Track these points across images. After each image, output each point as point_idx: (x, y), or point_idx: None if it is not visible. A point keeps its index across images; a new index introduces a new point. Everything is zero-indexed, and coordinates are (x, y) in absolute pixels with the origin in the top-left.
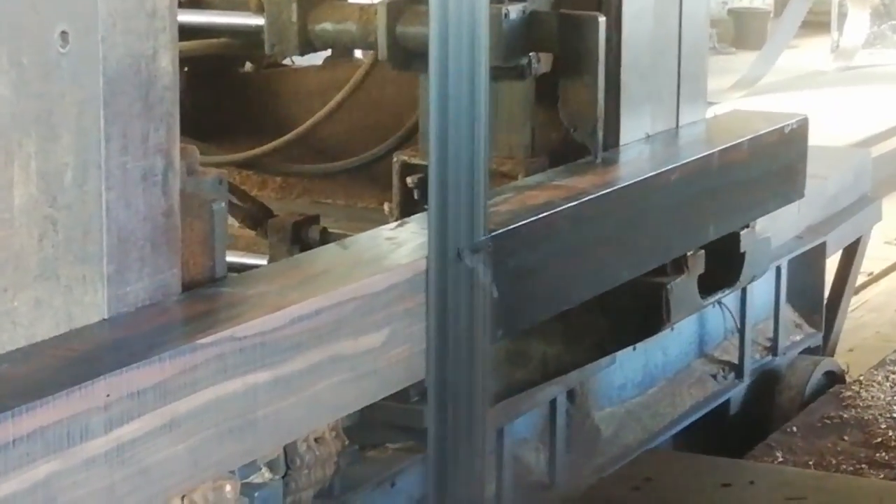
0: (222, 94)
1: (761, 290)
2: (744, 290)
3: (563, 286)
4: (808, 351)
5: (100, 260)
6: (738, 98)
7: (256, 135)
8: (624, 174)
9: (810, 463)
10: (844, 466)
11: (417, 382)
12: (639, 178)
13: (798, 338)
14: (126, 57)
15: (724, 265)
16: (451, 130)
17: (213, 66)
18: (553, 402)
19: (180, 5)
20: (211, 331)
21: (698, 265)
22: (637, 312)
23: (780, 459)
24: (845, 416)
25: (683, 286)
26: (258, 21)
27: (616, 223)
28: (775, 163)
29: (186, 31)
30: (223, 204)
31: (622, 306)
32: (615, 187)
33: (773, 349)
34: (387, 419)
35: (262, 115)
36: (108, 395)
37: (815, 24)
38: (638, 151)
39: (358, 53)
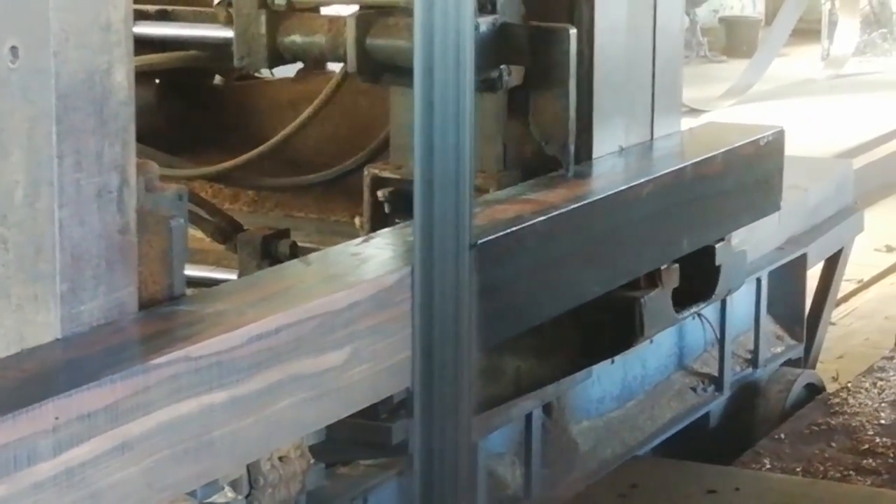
0: (194, 106)
1: (742, 302)
2: (723, 302)
3: (532, 301)
4: (790, 363)
5: (52, 278)
6: (728, 106)
7: (229, 148)
8: (595, 188)
9: (798, 469)
10: (832, 473)
11: (385, 399)
12: (610, 192)
13: (779, 350)
14: (79, 72)
15: (700, 278)
16: (437, 138)
17: (184, 79)
18: (529, 417)
19: (149, 17)
20: (165, 351)
21: (672, 279)
22: (610, 326)
23: (768, 466)
24: (833, 422)
25: (657, 300)
26: (227, 33)
27: (587, 237)
28: (750, 175)
29: (155, 44)
30: (182, 220)
31: (595, 320)
32: (585, 201)
33: (753, 361)
34: (355, 436)
35: (235, 128)
36: (56, 418)
37: (806, 32)
38: (611, 164)
39: (332, 65)
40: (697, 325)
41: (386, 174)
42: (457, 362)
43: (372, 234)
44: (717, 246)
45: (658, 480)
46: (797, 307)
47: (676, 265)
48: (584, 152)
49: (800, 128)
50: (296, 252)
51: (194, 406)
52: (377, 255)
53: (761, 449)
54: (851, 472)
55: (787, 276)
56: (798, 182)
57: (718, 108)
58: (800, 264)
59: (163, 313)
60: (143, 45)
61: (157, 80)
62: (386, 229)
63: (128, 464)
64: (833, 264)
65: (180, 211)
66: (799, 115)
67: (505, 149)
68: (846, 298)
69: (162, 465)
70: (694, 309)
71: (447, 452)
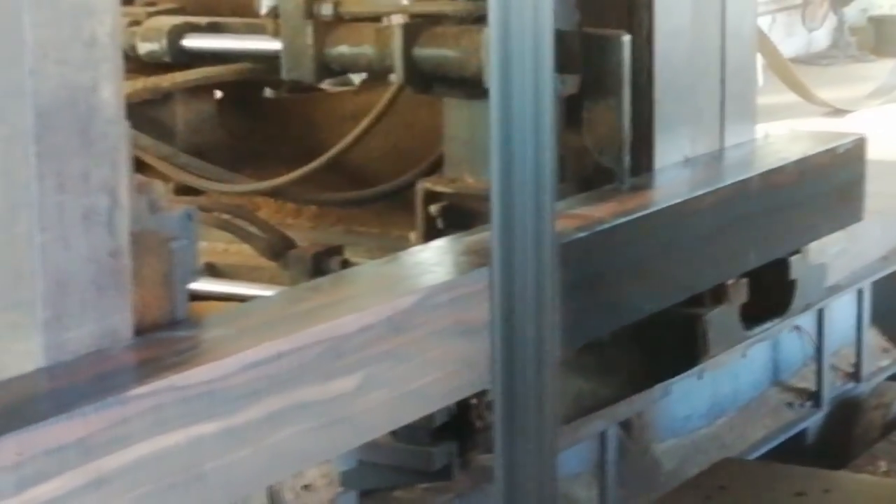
0: (257, 120)
1: (843, 314)
2: (821, 314)
3: (576, 322)
4: None
5: (34, 305)
6: (876, 105)
7: (292, 162)
8: (649, 200)
9: None
10: None
11: (426, 422)
12: (663, 205)
13: (885, 363)
14: (60, 89)
15: (775, 293)
16: (516, 142)
17: (246, 92)
18: (603, 435)
19: (201, 30)
20: (148, 380)
21: (740, 294)
22: (673, 345)
23: (884, 469)
24: None
25: (723, 317)
26: (276, 45)
27: (636, 253)
28: (827, 185)
29: (207, 57)
30: (186, 241)
31: (657, 339)
32: (636, 215)
33: (855, 375)
34: (395, 461)
35: (298, 142)
36: (18, 454)
37: None
38: (672, 176)
39: None
40: (795, 338)
41: (439, 188)
42: (540, 367)
43: (402, 252)
44: (791, 259)
45: (746, 482)
46: None
47: (745, 280)
48: (645, 163)
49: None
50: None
51: (181, 438)
52: (406, 274)
53: (877, 451)
54: None
55: (893, 287)
56: None
57: (865, 108)
58: None
59: (157, 339)
60: (197, 58)
61: (219, 94)
62: (419, 246)
63: (104, 500)
64: None
65: (187, 232)
66: None
67: (562, 161)
68: None
69: (144, 500)
70: (766, 326)
71: (530, 464)
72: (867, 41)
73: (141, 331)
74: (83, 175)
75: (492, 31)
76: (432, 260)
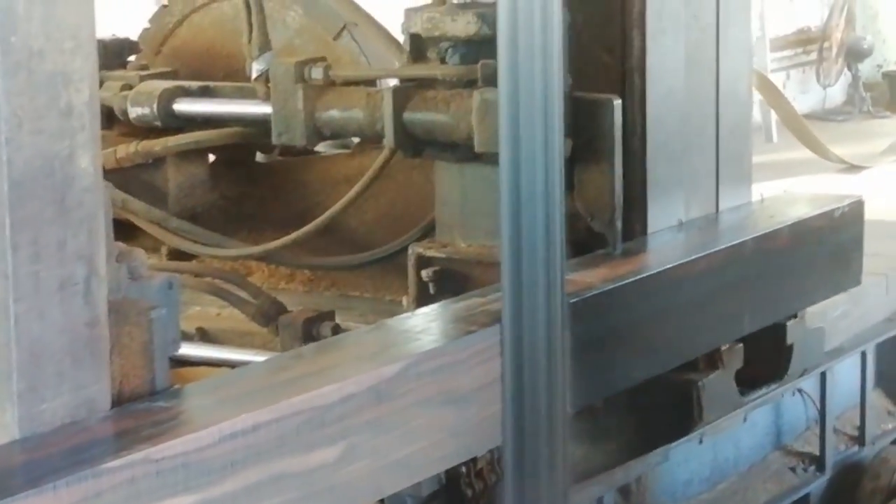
0: (250, 183)
1: (847, 376)
2: (823, 377)
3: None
4: None
5: (8, 377)
6: (891, 161)
7: (286, 225)
8: (641, 266)
9: None
10: None
11: (415, 491)
12: (656, 270)
13: (890, 426)
14: (36, 159)
15: (772, 358)
16: (526, 202)
17: (239, 156)
18: (600, 501)
19: (192, 94)
20: (123, 452)
21: (735, 360)
22: (667, 412)
23: None
24: None
25: (717, 383)
26: (267, 109)
27: (628, 319)
28: (824, 249)
29: (198, 121)
30: (166, 310)
31: (652, 405)
32: (627, 281)
33: (859, 439)
34: None
35: (292, 205)
36: None
37: None
38: (665, 240)
39: None
40: (798, 401)
41: (431, 253)
42: (551, 425)
43: (387, 321)
44: (788, 324)
45: None
46: None
47: (740, 345)
48: (639, 227)
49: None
50: (338, 334)
51: None
52: (391, 342)
53: None
54: None
55: None
56: None
57: (880, 164)
58: None
59: (135, 410)
60: (188, 122)
61: (212, 157)
62: (403, 315)
63: None
64: None
65: (167, 301)
66: None
67: None
68: None
69: None
70: (763, 391)
71: None
72: (882, 97)
73: (120, 400)
74: (59, 244)
75: (501, 93)
76: (419, 327)
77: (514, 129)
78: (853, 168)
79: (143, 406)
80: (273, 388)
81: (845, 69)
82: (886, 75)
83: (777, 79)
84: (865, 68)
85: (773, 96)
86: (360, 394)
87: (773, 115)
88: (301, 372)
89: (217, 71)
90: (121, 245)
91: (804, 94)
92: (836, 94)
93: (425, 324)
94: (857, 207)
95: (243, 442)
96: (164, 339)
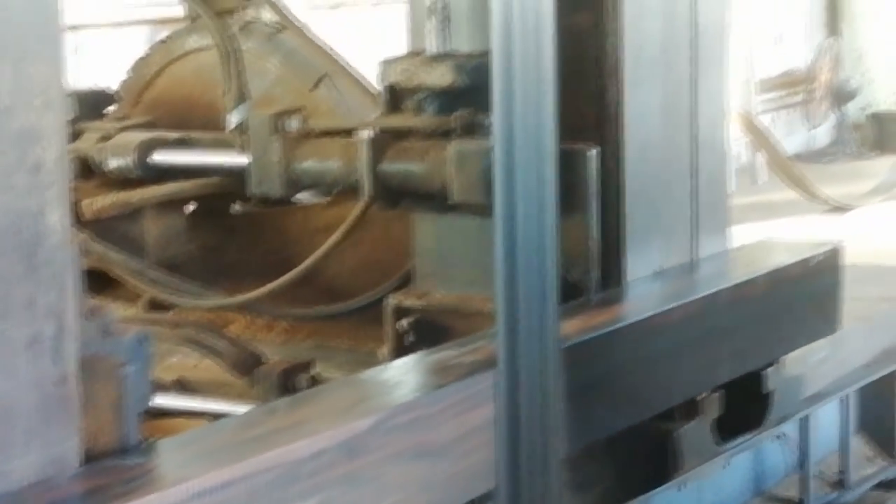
0: (228, 233)
1: (828, 422)
2: (805, 422)
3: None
4: (884, 485)
5: None
6: (877, 202)
7: (264, 276)
8: (618, 315)
9: None
10: None
11: None
12: (633, 320)
13: (871, 471)
14: (4, 216)
15: (750, 406)
16: (520, 244)
17: (216, 206)
18: None
19: (169, 145)
20: None
21: (713, 408)
22: (645, 461)
23: None
24: None
25: (695, 431)
26: (244, 160)
27: (605, 369)
28: (802, 296)
29: (176, 172)
30: (136, 367)
31: (630, 454)
32: (604, 331)
33: (841, 484)
34: None
35: (270, 255)
36: None
37: None
38: (642, 289)
39: None
40: (778, 447)
41: (408, 303)
42: (545, 468)
43: (358, 374)
44: (766, 371)
45: None
46: (890, 425)
47: (717, 394)
48: (616, 276)
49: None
50: (314, 385)
51: None
52: (366, 394)
53: None
54: None
55: (879, 393)
56: (890, 294)
57: (866, 205)
58: (892, 380)
59: (105, 468)
60: (166, 172)
61: (191, 208)
62: (379, 367)
63: None
64: None
65: (139, 357)
66: None
67: None
68: None
69: None
70: (740, 440)
71: None
72: (868, 138)
73: (91, 458)
74: (28, 302)
75: (496, 140)
76: (393, 380)
77: (509, 178)
78: (839, 208)
79: (113, 463)
80: (244, 444)
81: (831, 110)
82: (872, 116)
83: (764, 120)
84: (851, 109)
85: (760, 138)
86: (332, 449)
87: (760, 157)
88: (273, 427)
89: (196, 121)
90: (91, 301)
91: (791, 136)
92: (823, 135)
93: (400, 376)
94: (834, 255)
95: (213, 499)
96: (136, 395)
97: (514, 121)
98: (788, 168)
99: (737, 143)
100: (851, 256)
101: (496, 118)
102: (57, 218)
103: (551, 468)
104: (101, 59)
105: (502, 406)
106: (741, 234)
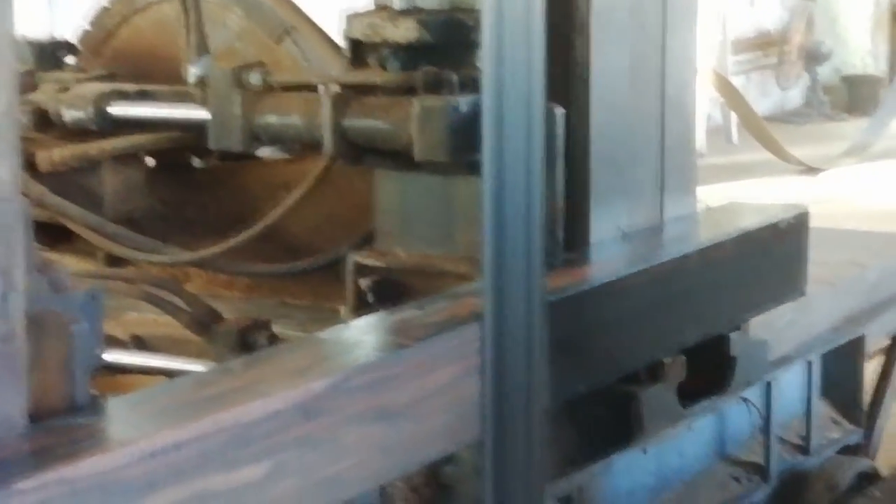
0: (189, 188)
1: (792, 386)
2: (769, 386)
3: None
4: (848, 449)
5: None
6: (848, 165)
7: (224, 231)
8: (582, 277)
9: None
10: None
11: None
12: (598, 282)
13: (835, 435)
14: None
15: (715, 370)
16: (508, 203)
17: (176, 160)
18: None
19: (129, 98)
20: (36, 473)
21: (677, 372)
22: (607, 424)
23: None
24: None
25: (659, 395)
26: (204, 114)
27: (568, 331)
28: (769, 260)
29: (135, 125)
30: (88, 325)
31: (592, 417)
32: (567, 293)
33: (804, 448)
34: None
35: (231, 211)
36: None
37: None
38: (608, 250)
39: None
40: (742, 410)
41: (370, 262)
42: (529, 419)
43: (316, 334)
44: (731, 335)
45: None
46: (855, 390)
47: (682, 357)
48: (581, 237)
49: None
50: (275, 344)
51: None
52: (326, 353)
53: None
54: None
55: (844, 358)
56: (857, 258)
57: (838, 167)
58: (857, 345)
59: (52, 428)
60: (125, 125)
61: (151, 162)
62: (341, 325)
63: None
64: None
65: (90, 314)
66: None
67: None
68: None
69: None
70: (704, 404)
71: None
72: (840, 100)
73: (38, 417)
74: None
75: (484, 98)
76: (354, 340)
77: (498, 132)
78: (812, 170)
79: (61, 423)
80: (197, 405)
81: (804, 72)
82: (845, 78)
83: (737, 81)
84: (824, 72)
85: (734, 98)
86: (287, 410)
87: (734, 117)
88: (227, 387)
89: (157, 74)
90: (42, 255)
91: (764, 97)
92: (795, 96)
93: (359, 336)
94: (803, 218)
95: (164, 461)
96: (86, 353)
97: (504, 79)
98: (762, 129)
99: (710, 103)
100: (822, 219)
101: (486, 74)
102: (5, 171)
103: (536, 420)
104: (76, 11)
105: (489, 357)
106: (713, 195)
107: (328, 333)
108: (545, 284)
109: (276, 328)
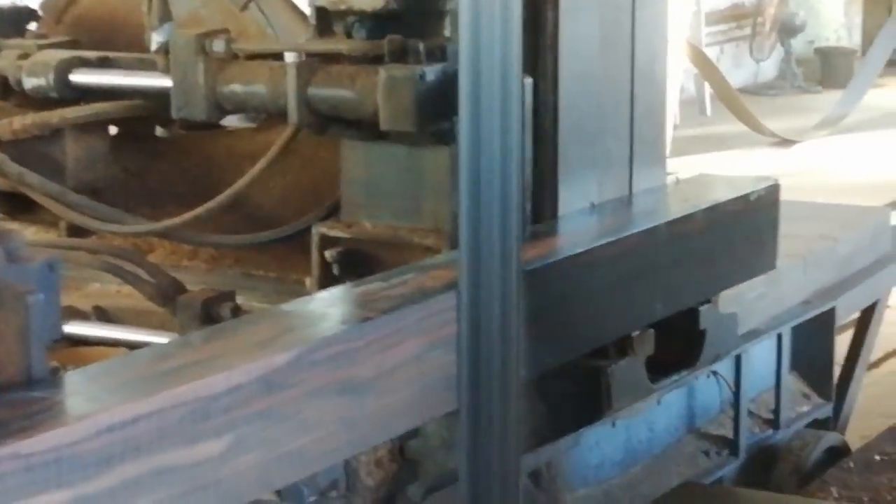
0: (153, 157)
1: (762, 359)
2: (738, 360)
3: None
4: (817, 423)
5: None
6: (821, 137)
7: (188, 201)
8: (550, 249)
9: (865, 499)
10: None
11: (311, 479)
12: (566, 254)
13: (805, 409)
14: None
15: (684, 344)
16: (484, 159)
17: (140, 129)
18: None
19: (91, 65)
20: None
21: (646, 346)
22: (575, 399)
23: (836, 495)
24: None
25: (628, 369)
26: (167, 82)
27: (536, 304)
28: (739, 233)
29: (98, 93)
30: (43, 296)
31: (561, 392)
32: (535, 265)
33: (774, 422)
34: None
35: (195, 181)
36: None
37: None
38: (576, 223)
39: None
40: (712, 384)
41: (335, 233)
42: (505, 387)
43: (279, 306)
44: (701, 309)
45: None
46: (826, 364)
47: (651, 331)
48: (549, 209)
49: (894, 158)
50: (238, 316)
51: None
52: (290, 325)
53: (829, 478)
54: None
55: (815, 331)
56: (828, 231)
57: (812, 139)
58: (828, 318)
59: (7, 401)
60: (87, 93)
61: (114, 131)
62: (304, 297)
63: None
64: (867, 318)
65: (48, 284)
66: (894, 146)
67: None
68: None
69: None
70: (673, 378)
71: (494, 485)
72: (814, 72)
73: None
74: None
75: (462, 70)
76: (317, 312)
77: (475, 101)
78: (785, 142)
79: (16, 396)
80: (156, 378)
81: (778, 44)
82: (818, 51)
83: (711, 53)
84: (798, 44)
85: (708, 70)
86: (249, 384)
87: (707, 89)
88: (187, 360)
89: (120, 41)
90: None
91: (737, 69)
92: (769, 68)
93: (323, 309)
94: (774, 191)
95: (122, 435)
96: (44, 324)
97: (480, 51)
98: (735, 101)
99: (684, 74)
100: (795, 192)
101: (463, 48)
102: None
103: (512, 388)
104: None
105: (464, 328)
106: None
107: (292, 306)
108: (520, 254)
109: (241, 300)
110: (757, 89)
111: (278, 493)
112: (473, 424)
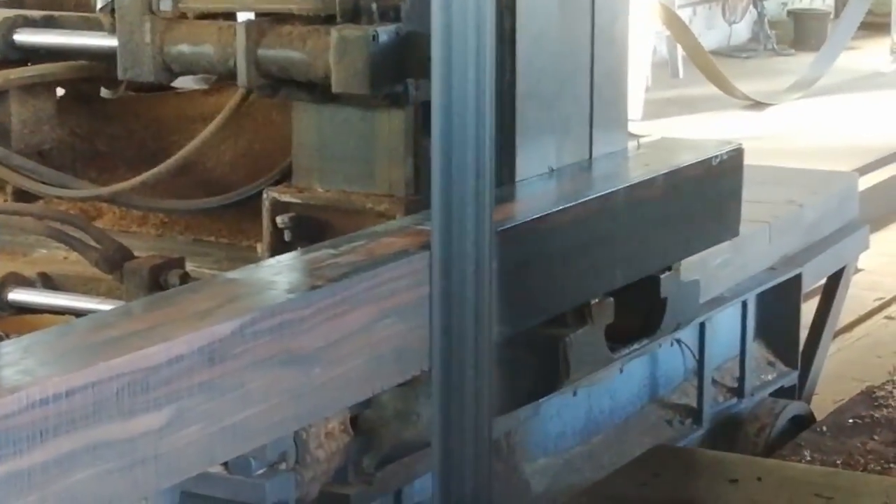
0: (101, 120)
1: (727, 327)
2: (702, 327)
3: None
4: (782, 391)
5: None
6: (794, 99)
7: (137, 165)
8: (508, 214)
9: (838, 462)
10: (873, 466)
11: (259, 451)
12: (523, 220)
13: (770, 377)
14: None
15: (645, 312)
16: (456, 122)
17: (87, 91)
18: None
19: (35, 24)
20: None
21: (605, 314)
22: (534, 368)
23: (809, 458)
24: (876, 415)
25: (586, 338)
26: (113, 42)
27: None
28: (701, 198)
29: (42, 53)
30: None
31: (518, 361)
32: None
33: (738, 391)
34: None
35: (144, 144)
36: None
37: (876, 25)
38: (534, 188)
39: None
40: (676, 352)
41: (287, 198)
42: (478, 351)
43: (224, 274)
44: (662, 276)
45: (680, 469)
46: (791, 331)
47: (610, 299)
48: (507, 174)
49: (866, 122)
50: (186, 283)
51: None
52: (238, 294)
53: (802, 441)
54: (893, 465)
55: (781, 298)
56: (795, 197)
57: (784, 102)
58: (794, 285)
59: None
60: (32, 53)
61: (61, 92)
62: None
63: None
64: (834, 284)
65: None
66: (866, 109)
67: (417, 171)
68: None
69: None
70: (634, 347)
71: (467, 443)
72: (787, 35)
73: None
74: None
75: (434, 31)
76: (263, 280)
77: (447, 67)
78: (758, 105)
79: None
80: (93, 349)
81: (751, 6)
82: (791, 13)
83: (684, 14)
84: (771, 6)
85: (680, 32)
86: (190, 354)
87: (680, 51)
88: (127, 330)
89: (67, 1)
90: None
91: (710, 31)
92: (742, 31)
93: (270, 277)
94: (738, 155)
95: (55, 408)
96: None
97: (452, 9)
98: (708, 63)
99: (656, 36)
100: (766, 155)
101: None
102: None
103: (484, 351)
104: None
105: (437, 288)
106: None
107: (237, 274)
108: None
109: (191, 267)
110: (730, 51)
111: (225, 465)
112: (446, 384)
